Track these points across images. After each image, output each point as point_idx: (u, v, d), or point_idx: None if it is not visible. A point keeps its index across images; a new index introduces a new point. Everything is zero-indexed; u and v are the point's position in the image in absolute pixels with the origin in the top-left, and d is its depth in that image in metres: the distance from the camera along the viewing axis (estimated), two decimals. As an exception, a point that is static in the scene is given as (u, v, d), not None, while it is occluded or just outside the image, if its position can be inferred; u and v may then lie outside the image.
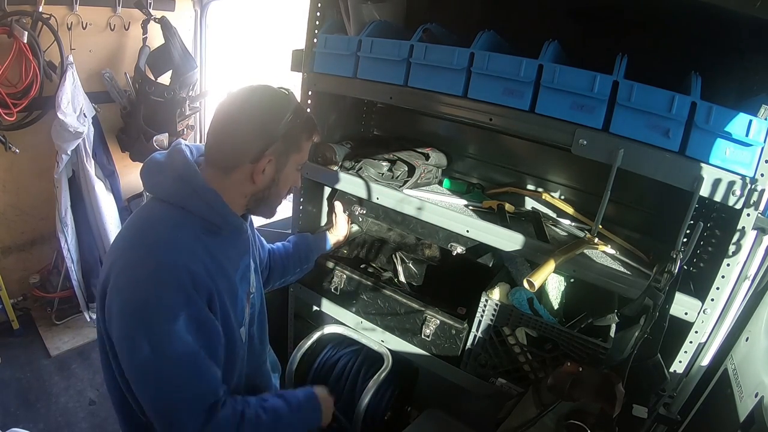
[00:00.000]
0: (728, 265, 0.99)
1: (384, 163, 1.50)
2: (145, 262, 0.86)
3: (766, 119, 0.90)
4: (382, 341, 1.47)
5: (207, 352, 0.88)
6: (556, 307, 1.36)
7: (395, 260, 1.60)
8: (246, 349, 1.07)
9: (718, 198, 0.96)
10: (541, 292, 1.34)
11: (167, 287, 0.84)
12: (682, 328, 1.06)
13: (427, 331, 1.35)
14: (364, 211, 1.58)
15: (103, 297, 0.89)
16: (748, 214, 0.95)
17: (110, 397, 1.03)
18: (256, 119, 0.92)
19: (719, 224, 1.18)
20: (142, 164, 1.00)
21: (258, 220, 1.23)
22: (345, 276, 1.49)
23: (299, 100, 1.49)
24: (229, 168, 0.94)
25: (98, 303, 0.93)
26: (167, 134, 2.44)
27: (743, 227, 0.95)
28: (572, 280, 1.38)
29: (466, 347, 1.31)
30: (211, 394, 0.88)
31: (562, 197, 1.53)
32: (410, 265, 1.61)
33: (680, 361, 1.08)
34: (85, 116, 2.14)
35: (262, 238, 1.34)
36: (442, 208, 1.32)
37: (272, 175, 0.96)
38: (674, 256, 0.94)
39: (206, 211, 0.92)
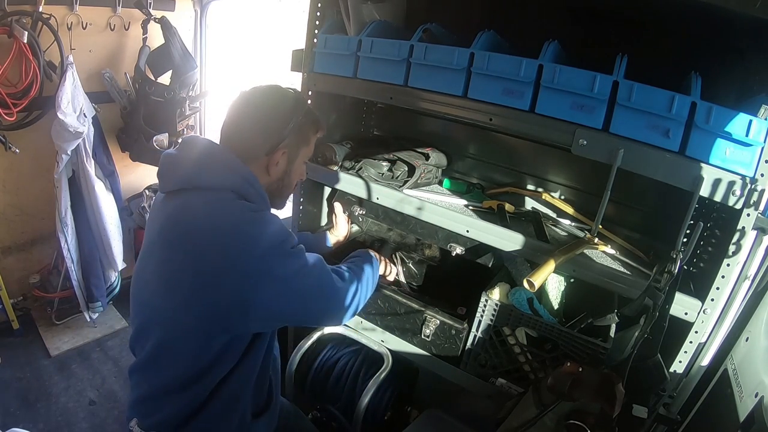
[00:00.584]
0: (728, 265, 0.99)
1: (384, 163, 1.50)
2: (258, 240, 0.92)
3: (766, 119, 0.90)
4: (382, 341, 1.47)
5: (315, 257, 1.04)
6: (556, 307, 1.36)
7: (395, 260, 1.60)
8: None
9: (718, 198, 0.96)
10: (541, 292, 1.34)
11: (286, 241, 0.96)
12: (682, 328, 1.06)
13: (427, 331, 1.35)
14: (364, 212, 1.58)
15: (216, 305, 0.91)
16: (748, 214, 0.95)
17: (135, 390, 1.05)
18: (272, 116, 1.01)
19: (719, 224, 1.18)
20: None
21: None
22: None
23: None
24: (246, 161, 0.99)
25: (182, 316, 0.93)
26: (167, 134, 2.44)
27: (743, 227, 0.95)
28: (572, 280, 1.38)
29: (466, 347, 1.31)
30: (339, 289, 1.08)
31: (562, 197, 1.53)
32: (410, 265, 1.61)
33: (680, 361, 1.08)
34: (85, 116, 2.14)
35: None
36: (442, 208, 1.32)
37: (285, 167, 1.05)
38: (674, 256, 0.94)
39: (250, 191, 0.98)
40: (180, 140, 1.05)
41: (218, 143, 1.03)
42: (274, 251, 0.93)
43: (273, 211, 1.11)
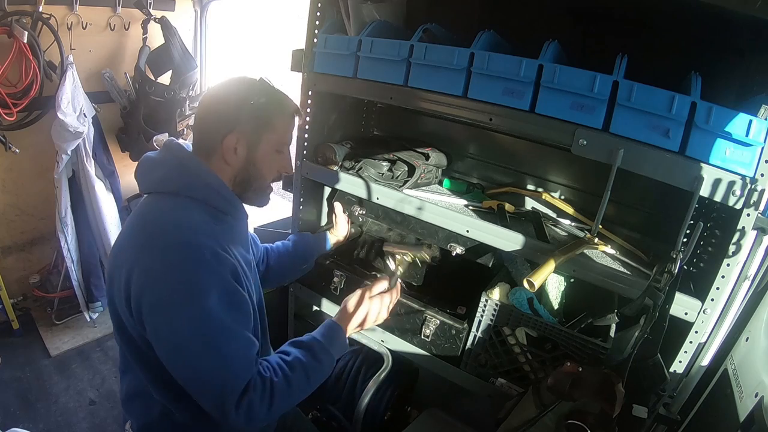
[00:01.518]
0: (728, 265, 0.99)
1: (384, 163, 1.50)
2: (168, 251, 0.88)
3: (766, 119, 0.90)
4: (382, 341, 1.47)
5: (242, 325, 0.91)
6: (556, 307, 1.36)
7: (387, 260, 1.60)
8: (260, 329, 1.10)
9: (718, 198, 0.96)
10: (541, 292, 1.34)
11: (196, 270, 0.87)
12: (682, 328, 1.06)
13: (427, 331, 1.35)
14: (364, 212, 1.58)
15: (126, 295, 0.89)
16: (748, 214, 0.95)
17: (121, 386, 1.05)
18: (223, 102, 0.99)
19: (719, 224, 1.18)
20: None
21: (258, 220, 1.24)
22: (345, 276, 1.49)
23: (299, 99, 1.51)
24: (208, 153, 0.99)
25: (117, 301, 0.93)
26: (167, 134, 2.44)
27: (743, 227, 0.95)
28: (572, 280, 1.38)
29: (466, 347, 1.31)
30: (248, 368, 0.89)
31: (562, 197, 1.53)
32: (415, 263, 1.60)
33: (680, 361, 1.08)
34: (85, 116, 2.14)
35: (255, 236, 1.34)
36: (442, 208, 1.32)
37: (245, 154, 0.99)
38: (674, 256, 0.94)
39: (212, 195, 0.96)
40: (164, 145, 1.05)
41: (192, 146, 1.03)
42: (200, 275, 0.86)
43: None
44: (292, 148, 1.17)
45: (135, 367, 0.98)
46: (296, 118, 1.06)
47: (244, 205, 1.06)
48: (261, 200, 1.08)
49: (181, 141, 1.04)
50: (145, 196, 1.02)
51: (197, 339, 0.85)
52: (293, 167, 1.13)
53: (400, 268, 1.36)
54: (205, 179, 0.97)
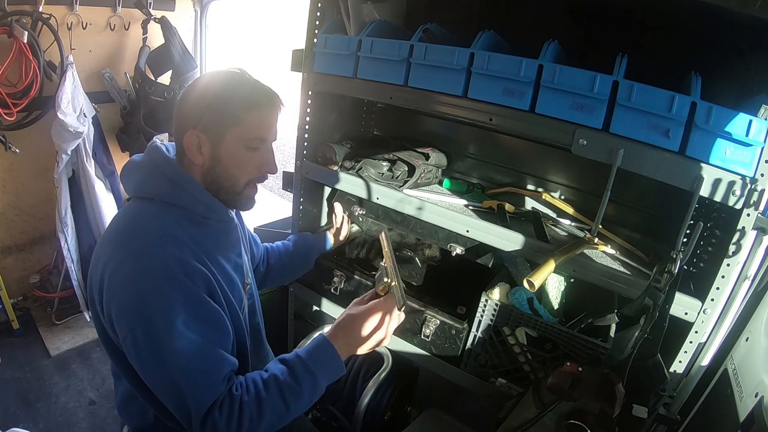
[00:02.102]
0: (728, 265, 0.99)
1: (384, 163, 1.50)
2: (134, 258, 0.85)
3: (766, 119, 0.90)
4: (382, 341, 1.47)
5: (210, 341, 0.86)
6: (556, 307, 1.36)
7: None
8: (251, 341, 1.07)
9: (718, 198, 0.96)
10: (541, 292, 1.34)
11: (159, 280, 0.83)
12: (682, 328, 1.06)
13: (427, 331, 1.35)
14: (364, 212, 1.58)
15: (100, 299, 0.89)
16: (748, 214, 0.95)
17: (116, 390, 1.04)
18: (184, 100, 0.95)
19: (719, 224, 1.18)
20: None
21: (258, 220, 1.23)
22: (345, 276, 1.49)
23: (299, 99, 1.50)
24: (179, 154, 0.97)
25: (96, 305, 0.92)
26: (167, 134, 2.44)
27: (743, 227, 0.95)
28: (572, 280, 1.38)
29: (466, 347, 1.31)
30: (214, 387, 0.84)
31: (562, 197, 1.53)
32: (415, 262, 1.60)
33: (680, 361, 1.08)
34: (85, 116, 2.14)
35: (255, 236, 1.34)
36: (442, 208, 1.32)
37: (210, 151, 0.93)
38: (674, 256, 0.94)
39: (188, 200, 0.93)
40: (147, 148, 1.02)
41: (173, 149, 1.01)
42: (166, 290, 0.83)
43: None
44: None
45: (124, 373, 0.96)
46: (276, 110, 0.95)
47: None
48: (241, 203, 1.00)
49: (162, 143, 1.01)
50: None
51: (158, 353, 0.81)
52: (277, 166, 1.03)
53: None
54: (180, 183, 0.93)
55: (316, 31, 1.45)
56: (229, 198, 0.98)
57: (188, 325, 0.83)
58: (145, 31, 2.38)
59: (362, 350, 1.00)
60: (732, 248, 0.97)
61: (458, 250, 1.39)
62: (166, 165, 0.95)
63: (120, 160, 2.52)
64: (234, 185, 0.97)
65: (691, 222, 1.01)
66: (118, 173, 2.44)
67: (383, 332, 1.00)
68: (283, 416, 0.89)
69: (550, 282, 1.36)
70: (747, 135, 0.91)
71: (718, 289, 1.01)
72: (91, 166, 2.22)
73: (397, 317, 1.02)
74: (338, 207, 1.57)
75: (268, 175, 1.01)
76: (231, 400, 0.85)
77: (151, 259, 0.84)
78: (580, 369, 0.99)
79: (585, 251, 1.16)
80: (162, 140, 2.39)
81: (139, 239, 0.87)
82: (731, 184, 0.94)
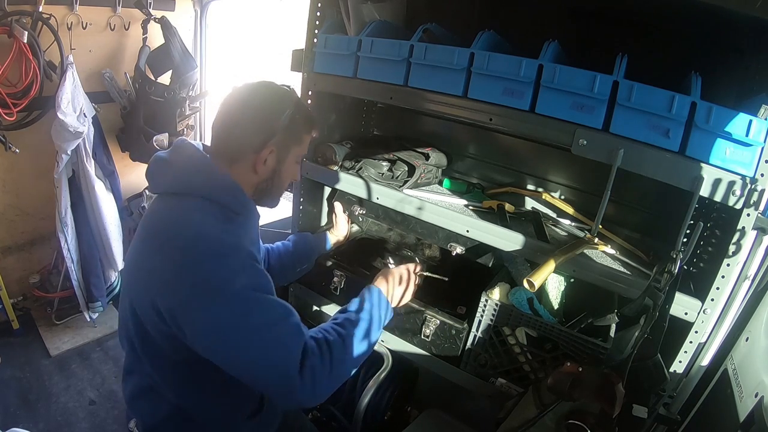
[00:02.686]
0: (728, 265, 0.99)
1: (384, 163, 1.50)
2: (188, 250, 0.87)
3: (766, 119, 0.90)
4: (382, 341, 1.47)
5: (279, 300, 0.93)
6: (556, 307, 1.36)
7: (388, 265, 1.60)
8: None
9: (718, 198, 0.96)
10: (541, 292, 1.34)
11: (216, 258, 0.87)
12: (682, 328, 1.06)
13: (427, 331, 1.35)
14: (364, 211, 1.58)
15: (153, 303, 0.88)
16: (748, 214, 0.95)
17: (125, 386, 1.05)
18: (259, 112, 0.97)
19: (719, 224, 1.18)
20: (146, 165, 1.02)
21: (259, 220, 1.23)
22: (345, 276, 1.49)
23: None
24: (234, 159, 0.98)
25: (144, 310, 0.91)
26: (167, 134, 2.44)
27: (743, 227, 0.95)
28: (572, 280, 1.38)
29: (466, 347, 1.31)
30: (298, 333, 0.90)
31: (562, 197, 1.53)
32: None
33: (680, 361, 1.08)
34: (85, 116, 2.14)
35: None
36: (442, 208, 1.32)
37: (274, 166, 1.01)
38: (674, 256, 0.94)
39: (226, 197, 0.96)
40: (173, 144, 1.04)
41: (209, 146, 1.03)
42: (224, 264, 0.87)
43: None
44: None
45: (148, 367, 0.98)
46: (314, 133, 1.08)
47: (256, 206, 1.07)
48: (273, 203, 1.10)
49: (191, 141, 1.03)
50: (155, 196, 1.02)
51: (239, 321, 0.85)
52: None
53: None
54: (219, 181, 0.96)
55: (316, 31, 1.45)
56: (268, 200, 1.07)
57: (255, 288, 0.88)
58: (145, 31, 2.37)
59: (395, 300, 1.21)
60: (732, 248, 0.97)
61: (458, 250, 1.39)
62: (203, 162, 0.98)
63: (120, 160, 2.52)
64: (279, 193, 1.08)
65: (691, 222, 1.01)
66: (119, 173, 2.45)
67: (411, 285, 1.24)
68: (362, 349, 1.00)
69: (550, 282, 1.36)
70: (747, 135, 0.91)
71: (718, 289, 1.01)
72: (91, 166, 2.22)
73: (417, 275, 1.26)
74: (338, 207, 1.57)
75: None
76: (317, 343, 0.92)
77: (206, 243, 0.88)
78: (580, 369, 0.99)
79: (585, 251, 1.16)
80: (162, 140, 2.39)
81: (188, 230, 0.89)
82: (731, 184, 0.94)
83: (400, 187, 1.46)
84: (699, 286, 1.10)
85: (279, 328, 0.88)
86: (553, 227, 1.41)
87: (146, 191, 2.58)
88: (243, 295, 0.86)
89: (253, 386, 0.96)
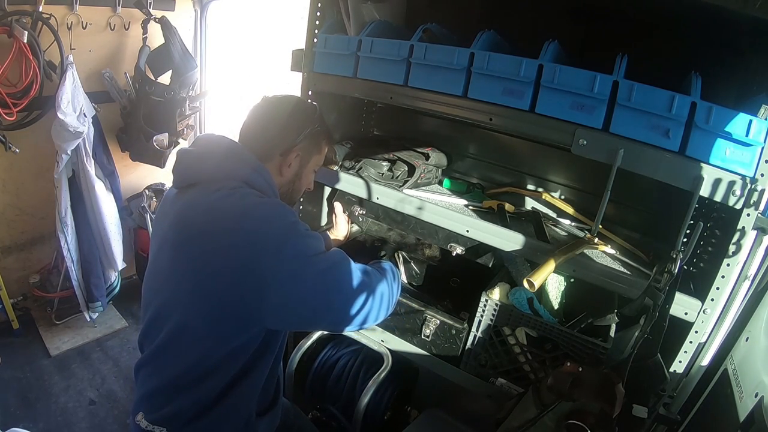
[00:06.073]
0: (728, 265, 0.99)
1: (384, 163, 1.50)
2: (285, 230, 0.93)
3: (766, 119, 0.90)
4: (382, 341, 1.47)
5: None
6: (556, 307, 1.36)
7: (397, 260, 1.60)
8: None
9: (718, 198, 0.96)
10: (541, 292, 1.34)
11: (307, 232, 0.96)
12: (682, 328, 1.06)
13: (427, 331, 1.35)
14: (364, 212, 1.58)
15: (233, 283, 0.91)
16: (748, 214, 0.95)
17: (141, 384, 1.04)
18: (291, 119, 1.08)
19: (719, 224, 1.18)
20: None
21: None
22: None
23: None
24: (263, 159, 1.05)
25: (212, 294, 0.93)
26: (167, 134, 2.44)
27: (743, 227, 0.95)
28: (572, 280, 1.38)
29: (466, 347, 1.31)
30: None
31: (562, 197, 1.53)
32: (412, 264, 1.60)
33: (680, 361, 1.09)
34: (85, 116, 2.14)
35: None
36: (442, 208, 1.32)
37: (297, 169, 1.10)
38: (674, 256, 0.94)
39: (264, 183, 1.02)
40: (194, 138, 1.07)
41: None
42: (290, 228, 0.94)
43: None
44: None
45: (170, 367, 0.98)
46: (329, 145, 1.19)
47: None
48: (290, 206, 1.17)
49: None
50: (176, 190, 1.03)
51: (349, 285, 0.98)
52: None
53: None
54: (260, 171, 1.02)
55: (316, 31, 1.46)
56: (286, 203, 1.15)
57: (337, 251, 1.00)
58: (145, 31, 2.37)
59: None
60: (732, 248, 0.97)
61: (458, 250, 1.39)
62: (245, 154, 1.03)
63: (120, 160, 2.51)
64: (296, 198, 1.18)
65: (691, 222, 1.01)
66: (119, 173, 2.44)
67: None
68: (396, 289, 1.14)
69: (550, 282, 1.36)
70: (747, 135, 0.92)
71: (718, 289, 1.01)
72: (91, 166, 2.22)
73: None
74: (338, 207, 1.57)
75: None
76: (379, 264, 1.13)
77: (285, 216, 0.96)
78: (580, 369, 0.99)
79: (585, 251, 1.16)
80: (162, 140, 2.39)
81: (260, 209, 0.95)
82: (731, 184, 0.94)
83: (400, 187, 1.46)
84: (699, 286, 1.10)
85: (356, 267, 1.01)
86: (553, 227, 1.41)
87: (146, 191, 2.58)
88: (322, 253, 0.96)
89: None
